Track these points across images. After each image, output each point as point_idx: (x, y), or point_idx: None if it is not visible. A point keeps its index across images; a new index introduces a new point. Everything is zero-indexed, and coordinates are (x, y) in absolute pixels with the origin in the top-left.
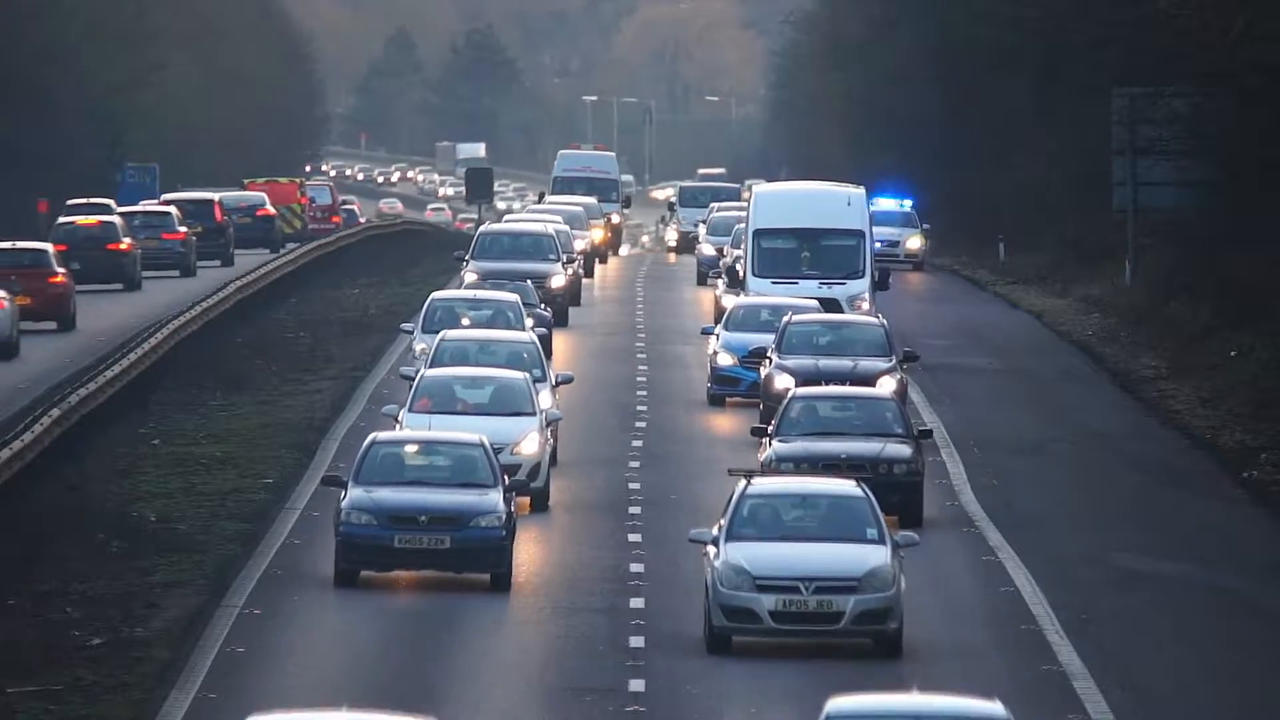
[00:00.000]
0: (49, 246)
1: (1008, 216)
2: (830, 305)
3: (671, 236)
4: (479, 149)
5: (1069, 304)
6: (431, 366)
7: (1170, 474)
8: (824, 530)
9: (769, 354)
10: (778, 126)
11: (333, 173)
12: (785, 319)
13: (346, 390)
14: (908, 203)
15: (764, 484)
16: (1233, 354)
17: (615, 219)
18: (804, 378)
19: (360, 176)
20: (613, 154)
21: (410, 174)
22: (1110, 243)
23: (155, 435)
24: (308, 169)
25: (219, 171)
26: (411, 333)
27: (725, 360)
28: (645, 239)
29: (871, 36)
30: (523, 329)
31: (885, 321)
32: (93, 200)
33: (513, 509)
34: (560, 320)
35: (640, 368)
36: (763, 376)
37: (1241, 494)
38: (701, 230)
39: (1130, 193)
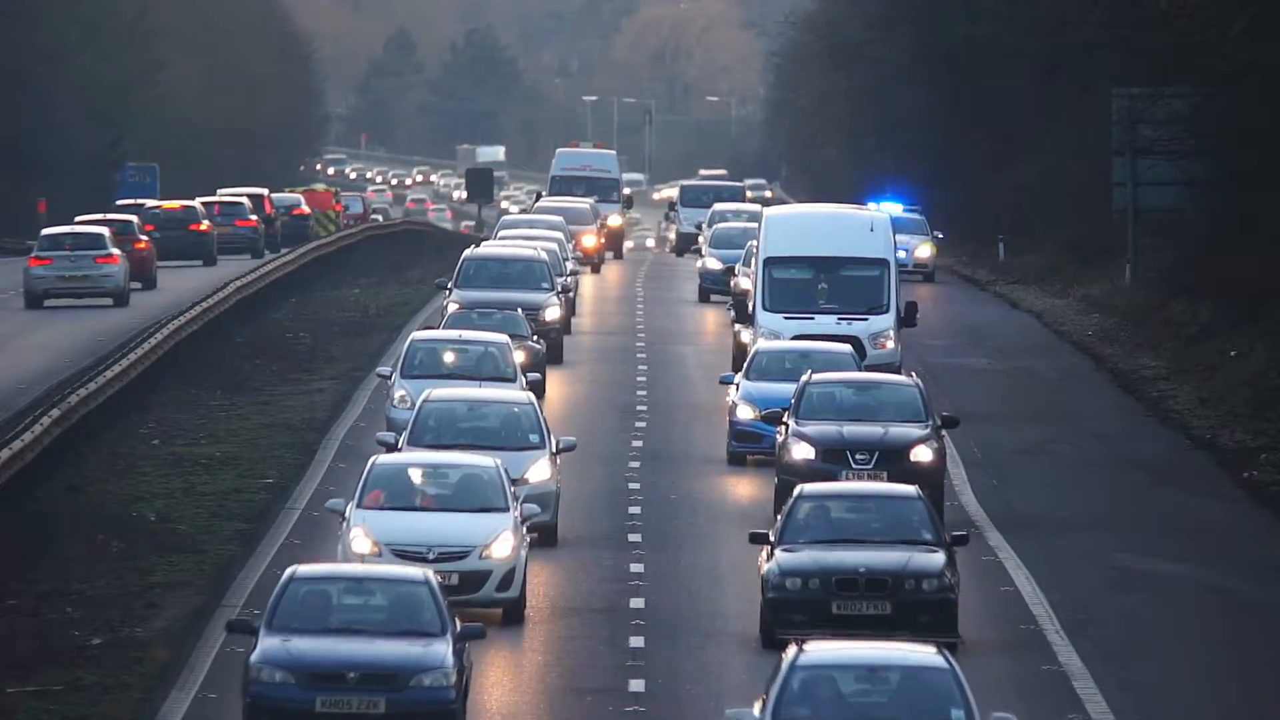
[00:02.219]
0: (134, 218)
1: (1008, 216)
2: (850, 344)
3: (671, 237)
4: (498, 152)
5: (1069, 304)
6: (412, 437)
7: (1170, 474)
8: (897, 712)
9: (785, 418)
10: (778, 126)
11: (353, 175)
12: (804, 378)
13: (346, 390)
14: (916, 208)
15: (820, 651)
16: (1233, 354)
17: (615, 221)
18: (826, 447)
19: (379, 179)
20: (613, 152)
21: (434, 177)
22: (1110, 243)
23: (155, 435)
24: (331, 172)
25: (220, 172)
26: (389, 377)
27: (745, 414)
28: (629, 244)
29: (871, 36)
30: (513, 374)
31: (920, 381)
32: (139, 201)
33: (466, 661)
34: (554, 356)
35: (640, 367)
36: (778, 445)
37: (1241, 494)
38: (702, 237)
39: (1130, 193)
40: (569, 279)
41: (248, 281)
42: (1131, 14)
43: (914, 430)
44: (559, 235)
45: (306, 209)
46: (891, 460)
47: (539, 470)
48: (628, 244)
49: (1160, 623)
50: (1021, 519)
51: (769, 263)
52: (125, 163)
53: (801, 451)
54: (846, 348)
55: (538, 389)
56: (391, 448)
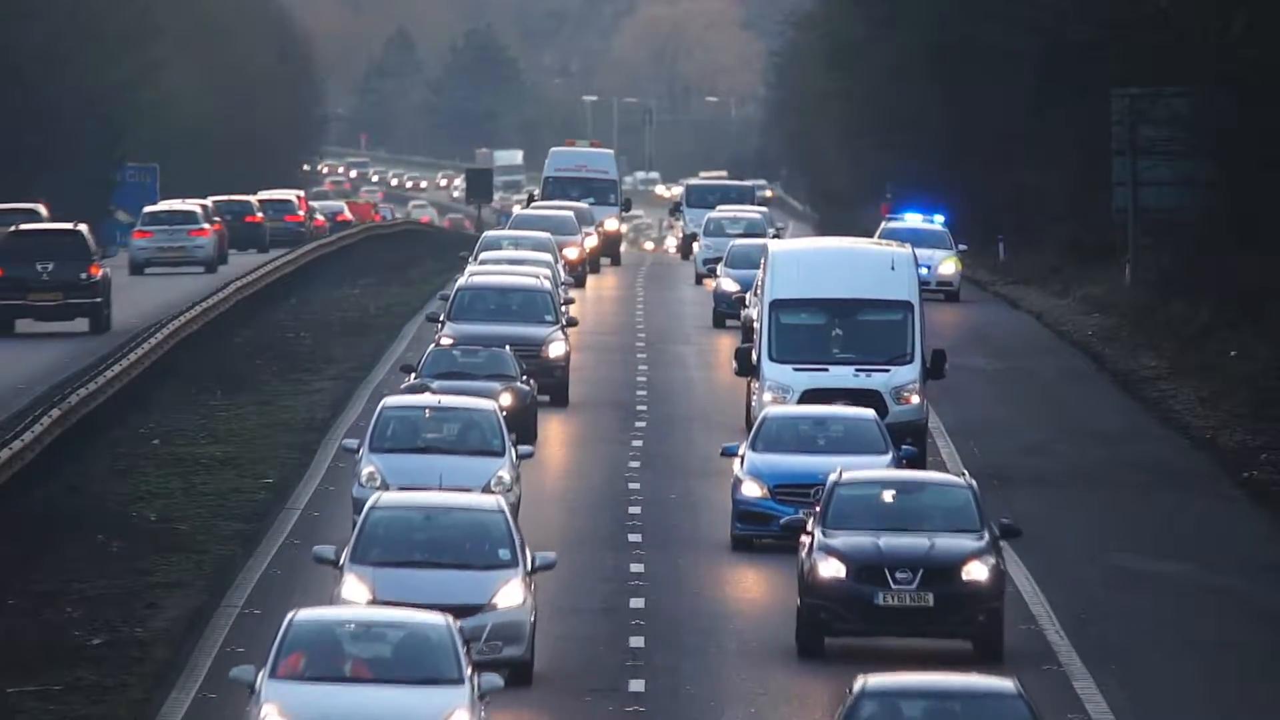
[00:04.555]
0: (209, 203)
1: (1008, 216)
2: (869, 400)
3: (672, 242)
4: (516, 156)
5: (1069, 304)
6: (355, 553)
7: (1170, 474)
8: None
9: (808, 526)
10: (778, 126)
11: (375, 178)
12: (831, 478)
13: (346, 390)
14: (939, 219)
15: None
16: (1233, 354)
17: (613, 225)
18: (860, 564)
19: (394, 182)
20: (610, 151)
21: (458, 181)
22: (1110, 243)
23: (155, 435)
24: (354, 175)
25: (220, 172)
26: (356, 450)
27: (752, 491)
28: (630, 246)
29: (871, 36)
30: (501, 447)
31: (973, 481)
32: (190, 201)
33: None
34: (559, 398)
35: (640, 365)
36: (801, 560)
37: (1241, 494)
38: (697, 245)
39: (1130, 193)
40: (565, 308)
41: (248, 282)
42: (1131, 14)
43: (966, 542)
44: (549, 257)
45: (349, 215)
46: (939, 580)
47: (510, 594)
48: (644, 245)
49: (1160, 623)
50: (1021, 519)
51: (775, 306)
52: (125, 163)
53: (830, 569)
54: (870, 414)
55: (527, 436)
56: (331, 564)
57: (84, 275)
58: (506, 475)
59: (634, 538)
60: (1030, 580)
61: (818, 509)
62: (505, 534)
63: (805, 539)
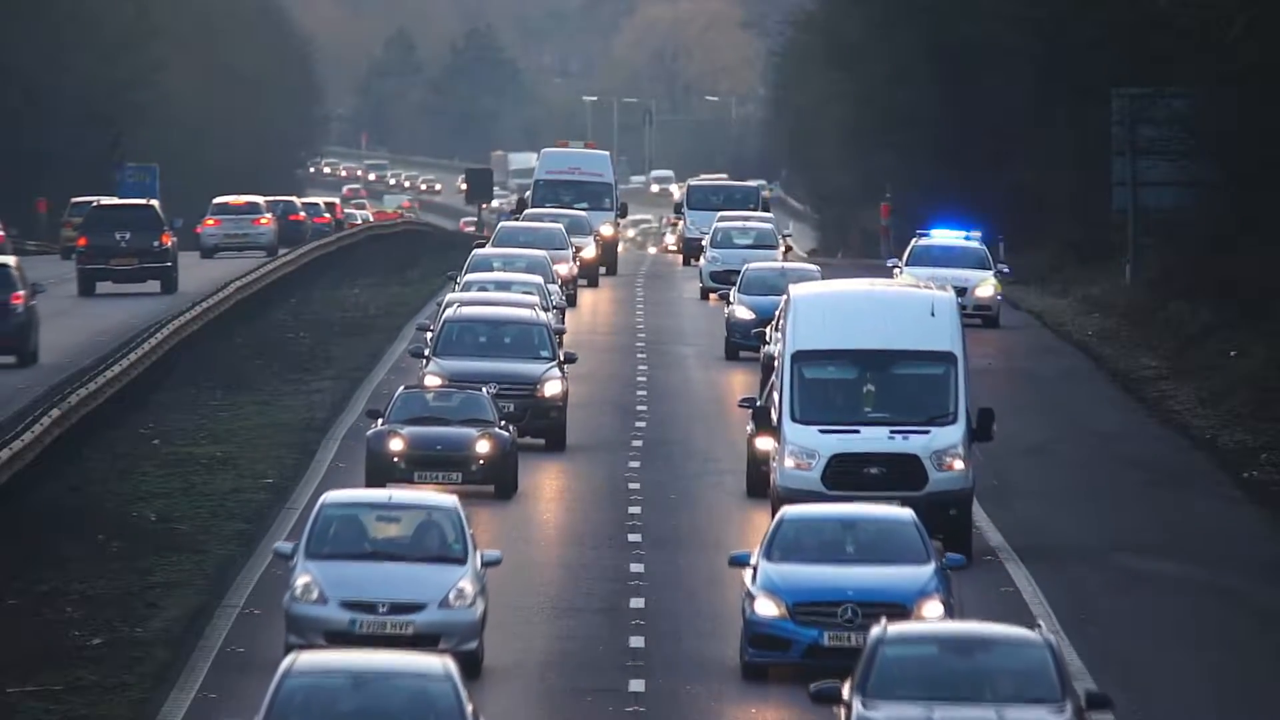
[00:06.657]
0: (263, 199)
1: (1008, 217)
2: (907, 466)
3: (672, 241)
4: (530, 158)
5: (1069, 304)
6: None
7: (1170, 474)
8: None
9: (846, 694)
10: (778, 126)
11: (392, 181)
12: (874, 632)
13: (346, 390)
14: (976, 235)
15: None
16: (1232, 354)
17: (608, 230)
18: None
19: (407, 184)
20: (606, 153)
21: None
22: (1110, 243)
23: (155, 435)
24: (373, 178)
25: (221, 172)
26: (290, 557)
27: (768, 610)
28: (637, 249)
29: (871, 36)
30: (462, 553)
31: (1052, 636)
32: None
33: None
34: (556, 442)
35: (640, 366)
36: None
37: (1241, 494)
38: (704, 258)
39: (1130, 193)
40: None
41: (248, 281)
42: (1131, 14)
43: (1044, 716)
44: (541, 280)
45: (373, 221)
46: None
47: None
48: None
49: (1160, 623)
50: (1022, 519)
51: (798, 358)
52: (125, 163)
53: None
54: (908, 515)
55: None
56: None
57: (156, 243)
58: (468, 587)
59: (634, 538)
60: (1030, 581)
61: (857, 671)
62: (454, 706)
63: (840, 710)
